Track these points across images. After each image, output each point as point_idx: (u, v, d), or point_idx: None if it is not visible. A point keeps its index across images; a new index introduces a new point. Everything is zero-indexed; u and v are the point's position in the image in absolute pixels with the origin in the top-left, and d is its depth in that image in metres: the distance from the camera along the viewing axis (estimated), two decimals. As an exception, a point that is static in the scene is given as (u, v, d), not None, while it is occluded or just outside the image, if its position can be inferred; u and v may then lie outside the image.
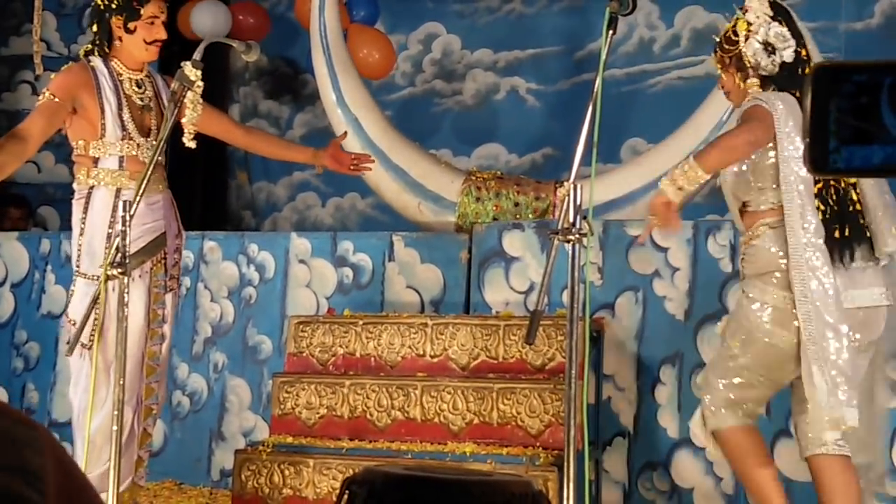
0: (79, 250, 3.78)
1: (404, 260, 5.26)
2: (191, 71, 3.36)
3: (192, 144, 3.53)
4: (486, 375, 4.68)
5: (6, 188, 7.06)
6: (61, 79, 3.79)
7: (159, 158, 3.72)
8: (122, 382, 3.23)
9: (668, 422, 4.65)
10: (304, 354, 4.99)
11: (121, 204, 3.23)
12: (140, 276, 3.75)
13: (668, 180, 3.37)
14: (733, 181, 3.54)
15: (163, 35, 3.86)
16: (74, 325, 3.69)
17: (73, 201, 3.84)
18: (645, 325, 4.73)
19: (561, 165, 6.15)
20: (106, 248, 3.64)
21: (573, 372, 2.91)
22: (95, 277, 3.57)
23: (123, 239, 3.13)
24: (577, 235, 2.91)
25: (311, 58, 5.94)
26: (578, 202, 2.92)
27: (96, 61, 3.85)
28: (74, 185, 3.85)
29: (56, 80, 3.80)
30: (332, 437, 4.68)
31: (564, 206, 2.95)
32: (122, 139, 3.77)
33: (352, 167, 4.12)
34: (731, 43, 3.55)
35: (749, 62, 3.50)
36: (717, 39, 3.62)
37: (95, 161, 3.78)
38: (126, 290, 3.25)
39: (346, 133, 4.60)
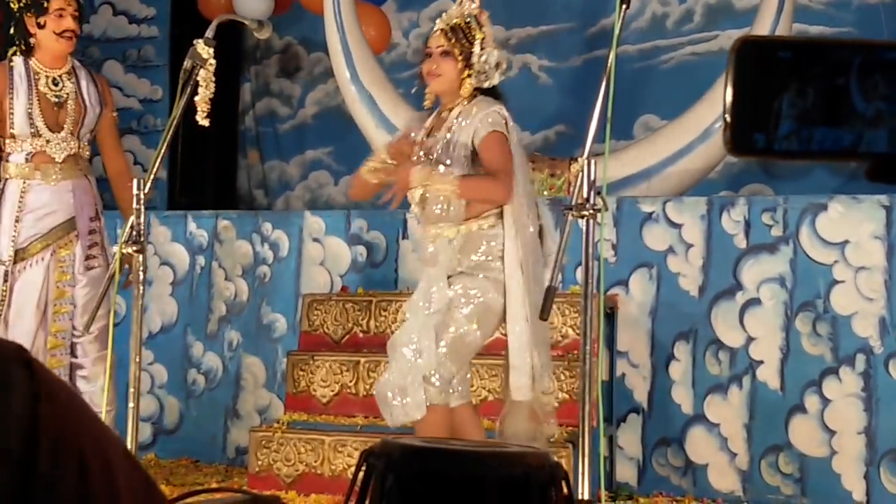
0: None
1: (418, 237, 5.26)
2: (203, 49, 3.35)
3: (205, 122, 3.52)
4: (500, 352, 4.67)
5: None
6: None
7: (79, 151, 4.11)
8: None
9: (682, 398, 4.65)
10: (319, 332, 5.00)
11: (135, 183, 3.24)
12: (42, 259, 4.05)
13: (422, 168, 3.40)
14: None
15: (71, 25, 4.08)
16: None
17: None
18: (659, 302, 4.73)
19: (574, 142, 6.13)
20: (13, 236, 4.03)
21: (587, 348, 2.91)
22: (5, 262, 4.03)
23: (138, 218, 3.15)
24: (591, 211, 2.90)
25: (325, 35, 5.93)
26: (592, 178, 2.92)
27: (17, 61, 4.12)
28: None
29: None
30: (347, 414, 4.70)
31: (578, 183, 2.94)
32: (32, 135, 4.06)
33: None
34: (468, 39, 3.53)
35: (478, 67, 3.51)
36: (452, 24, 3.54)
37: (8, 156, 4.11)
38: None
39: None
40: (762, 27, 5.27)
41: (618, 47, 2.94)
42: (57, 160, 4.08)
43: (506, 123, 3.50)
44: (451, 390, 3.45)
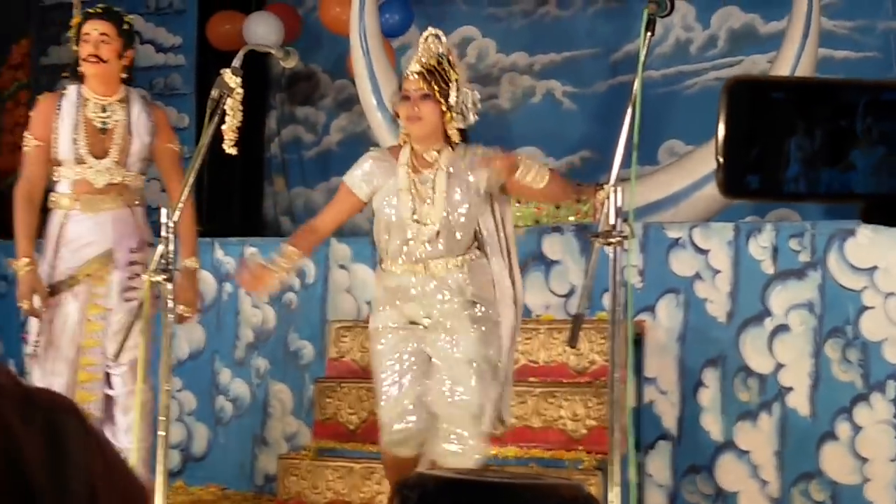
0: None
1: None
2: (230, 78, 3.37)
3: (233, 151, 3.55)
4: (527, 379, 4.67)
5: (48, 196, 7.13)
6: (34, 117, 4.14)
7: (124, 180, 4.06)
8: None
9: (711, 425, 4.62)
10: (346, 359, 5.00)
11: (164, 212, 3.27)
12: (79, 294, 4.00)
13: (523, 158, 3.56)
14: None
15: (91, 50, 4.05)
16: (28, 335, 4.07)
17: None
18: (687, 328, 4.71)
19: (599, 168, 6.13)
20: (49, 271, 3.99)
21: (616, 375, 2.90)
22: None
23: (167, 246, 3.16)
24: (619, 238, 2.90)
25: (349, 62, 5.96)
26: (619, 204, 2.92)
27: (70, 89, 4.12)
28: None
29: (32, 119, 4.15)
30: (375, 441, 4.68)
31: (605, 209, 2.94)
32: (75, 161, 4.03)
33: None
34: (444, 80, 3.55)
35: (457, 109, 3.55)
36: (429, 66, 3.57)
37: (55, 185, 4.10)
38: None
39: None
40: (788, 52, 5.27)
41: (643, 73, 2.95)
42: (97, 186, 4.02)
43: None
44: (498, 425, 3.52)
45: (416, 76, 3.54)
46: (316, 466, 4.62)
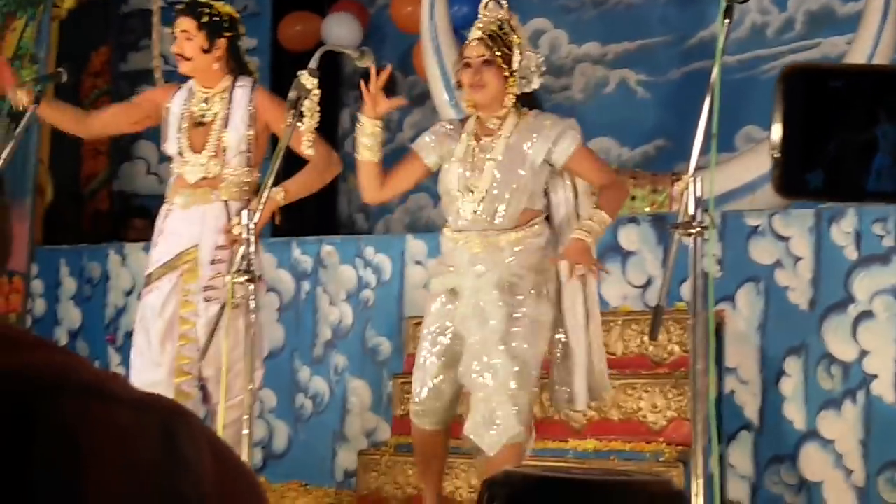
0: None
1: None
2: (307, 80, 3.40)
3: (310, 152, 3.58)
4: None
5: (130, 200, 7.28)
6: (150, 91, 4.20)
7: (222, 173, 3.96)
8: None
9: (794, 414, 4.56)
10: (424, 354, 5.02)
11: (244, 214, 3.31)
12: (164, 286, 3.95)
13: (586, 233, 3.43)
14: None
15: (177, 49, 4.00)
16: None
17: None
18: (767, 317, 4.64)
19: (674, 156, 6.07)
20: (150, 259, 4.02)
21: (698, 366, 2.87)
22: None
23: (248, 248, 3.20)
24: (698, 229, 2.88)
25: (421, 59, 5.98)
26: (698, 195, 2.89)
27: (189, 83, 4.09)
28: None
29: (147, 91, 4.20)
30: (454, 436, 4.70)
31: (684, 200, 2.92)
32: (178, 154, 4.02)
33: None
34: (507, 45, 3.49)
35: (520, 73, 3.50)
36: (489, 32, 3.52)
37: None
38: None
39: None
40: (867, 34, 5.16)
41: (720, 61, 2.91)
42: (189, 182, 3.97)
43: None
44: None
45: (478, 42, 3.51)
46: (395, 462, 4.65)
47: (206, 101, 4.01)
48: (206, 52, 3.98)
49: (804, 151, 0.79)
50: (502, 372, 3.39)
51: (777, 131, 0.79)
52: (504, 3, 3.58)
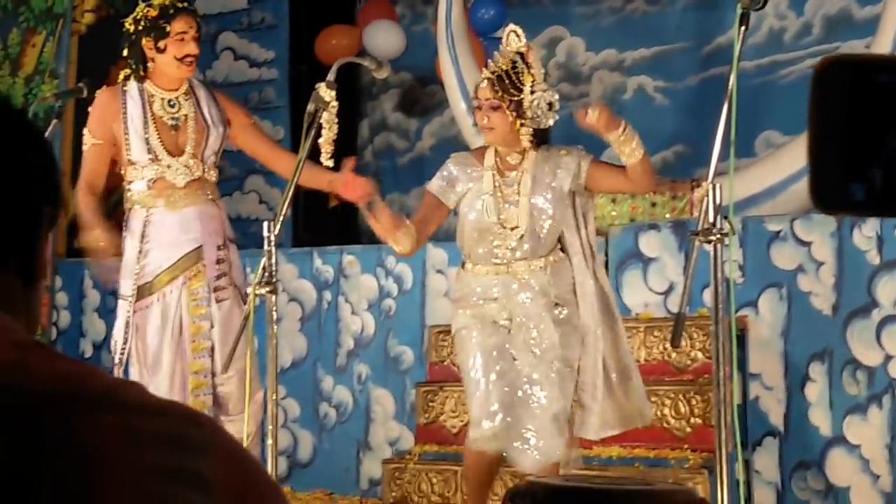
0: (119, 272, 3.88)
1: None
2: (325, 92, 3.41)
3: (329, 163, 3.59)
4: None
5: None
6: (93, 115, 3.91)
7: (204, 175, 3.87)
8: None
9: (819, 420, 4.54)
10: (446, 363, 5.03)
11: (265, 225, 3.32)
12: (170, 293, 3.81)
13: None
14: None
15: (193, 50, 3.85)
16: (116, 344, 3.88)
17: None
18: (791, 322, 4.63)
19: (693, 162, 6.06)
20: (136, 271, 3.78)
21: (721, 372, 2.87)
22: (129, 298, 3.80)
23: (269, 259, 3.22)
24: (719, 235, 2.87)
25: (439, 67, 6.00)
26: (718, 201, 2.89)
27: (130, 85, 3.90)
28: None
29: (90, 117, 3.92)
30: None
31: (704, 207, 2.92)
32: (151, 161, 3.84)
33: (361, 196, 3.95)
34: (515, 86, 3.51)
35: (531, 114, 3.51)
36: (499, 73, 3.54)
37: (129, 184, 3.88)
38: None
39: (356, 158, 4.30)
40: (885, 37, 5.14)
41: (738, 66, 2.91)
42: (178, 186, 3.84)
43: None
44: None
45: (486, 84, 3.56)
46: (419, 470, 4.66)
47: (170, 103, 3.91)
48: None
49: (846, 159, 0.66)
50: (553, 396, 3.46)
51: (814, 135, 0.66)
52: (521, 33, 3.61)
